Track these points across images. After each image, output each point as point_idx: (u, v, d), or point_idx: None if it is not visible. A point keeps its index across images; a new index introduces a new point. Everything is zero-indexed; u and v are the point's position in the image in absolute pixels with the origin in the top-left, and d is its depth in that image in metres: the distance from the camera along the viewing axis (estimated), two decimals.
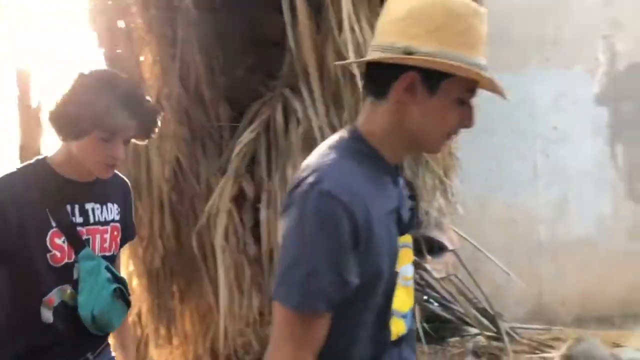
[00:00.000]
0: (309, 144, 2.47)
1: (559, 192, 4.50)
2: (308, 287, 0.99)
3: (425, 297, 3.60)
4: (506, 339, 3.50)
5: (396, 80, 1.05)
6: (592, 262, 4.48)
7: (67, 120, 1.44)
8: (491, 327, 3.60)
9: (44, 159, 1.54)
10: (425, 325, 3.11)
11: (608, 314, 4.36)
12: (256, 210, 2.70)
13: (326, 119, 2.55)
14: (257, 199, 2.71)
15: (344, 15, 2.31)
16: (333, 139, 1.14)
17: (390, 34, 1.06)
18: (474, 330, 3.61)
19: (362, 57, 2.22)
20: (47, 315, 1.49)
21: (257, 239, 2.70)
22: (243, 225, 2.70)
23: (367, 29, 2.36)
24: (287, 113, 2.69)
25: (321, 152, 1.09)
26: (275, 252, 2.53)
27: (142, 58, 2.88)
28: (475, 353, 3.31)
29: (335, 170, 1.04)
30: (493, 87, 1.06)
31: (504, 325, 3.64)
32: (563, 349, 3.58)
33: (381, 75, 1.07)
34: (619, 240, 4.48)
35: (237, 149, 2.68)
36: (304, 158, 1.13)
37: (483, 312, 3.69)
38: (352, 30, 2.32)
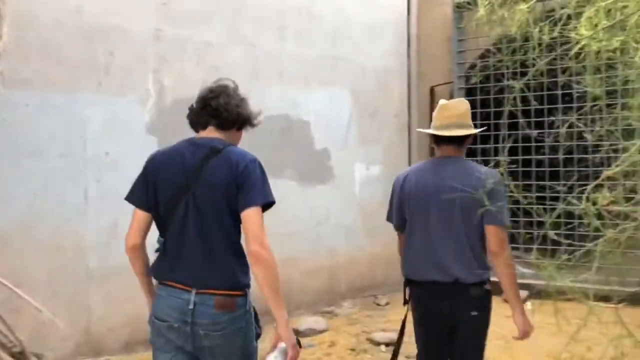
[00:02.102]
0: None
1: (110, 218, 4.46)
2: None
3: None
4: None
5: (469, 138, 2.81)
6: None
7: (247, 117, 2.35)
8: None
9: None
10: None
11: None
12: None
13: None
14: None
15: None
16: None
17: (465, 119, 2.76)
18: None
19: None
20: None
21: None
22: None
23: None
24: None
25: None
26: None
27: None
28: None
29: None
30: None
31: None
32: None
33: (465, 136, 2.77)
34: None
35: None
36: None
37: (19, 356, 3.32)
38: None
